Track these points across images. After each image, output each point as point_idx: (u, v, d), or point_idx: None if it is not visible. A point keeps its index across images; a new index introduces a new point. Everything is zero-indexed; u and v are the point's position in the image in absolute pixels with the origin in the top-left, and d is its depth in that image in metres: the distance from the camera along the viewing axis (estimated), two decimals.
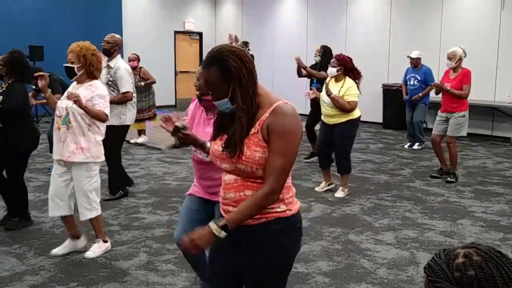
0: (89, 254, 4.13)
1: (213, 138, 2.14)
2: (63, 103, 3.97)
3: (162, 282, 3.70)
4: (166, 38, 14.76)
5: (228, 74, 1.94)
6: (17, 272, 3.85)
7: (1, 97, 4.61)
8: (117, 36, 5.87)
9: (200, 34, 15.63)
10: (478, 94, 9.80)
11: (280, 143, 1.95)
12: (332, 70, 5.73)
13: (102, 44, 5.69)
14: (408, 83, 8.94)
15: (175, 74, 15.11)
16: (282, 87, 13.74)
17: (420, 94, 8.71)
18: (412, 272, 3.92)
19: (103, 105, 3.97)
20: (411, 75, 8.91)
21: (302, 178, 6.79)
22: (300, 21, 13.48)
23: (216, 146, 2.09)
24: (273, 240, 2.07)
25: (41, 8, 12.22)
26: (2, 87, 4.66)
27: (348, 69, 5.71)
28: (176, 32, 15.07)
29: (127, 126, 5.78)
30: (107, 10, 13.24)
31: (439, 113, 6.74)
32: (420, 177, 6.94)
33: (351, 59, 5.78)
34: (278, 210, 2.05)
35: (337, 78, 5.75)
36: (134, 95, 5.81)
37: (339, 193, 5.97)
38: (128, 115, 5.69)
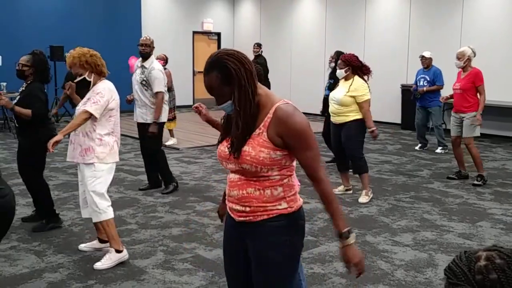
0: (98, 265, 3.92)
1: (220, 140, 2.18)
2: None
3: (179, 281, 3.72)
4: (184, 39, 14.83)
5: (228, 77, 1.97)
6: (37, 269, 3.90)
7: (19, 96, 4.66)
8: (150, 37, 6.00)
9: (218, 34, 15.67)
10: (498, 94, 9.67)
11: (300, 141, 2.03)
12: (340, 72, 5.75)
13: (141, 48, 5.88)
14: (418, 84, 8.99)
15: (193, 74, 15.17)
16: (299, 87, 13.76)
17: (425, 89, 8.75)
18: (430, 274, 3.88)
19: (92, 101, 3.85)
20: (421, 76, 8.98)
21: None
22: (319, 21, 13.43)
23: (223, 148, 2.13)
24: (275, 236, 2.09)
25: (61, 8, 12.35)
26: (23, 87, 4.72)
27: (356, 68, 5.71)
28: (194, 32, 15.13)
29: (163, 123, 6.07)
30: (126, 10, 13.34)
31: (452, 113, 6.76)
32: (439, 179, 6.87)
33: (357, 57, 5.78)
34: (280, 207, 2.08)
35: (346, 77, 5.76)
36: (166, 95, 6.09)
37: (363, 198, 5.80)
38: (163, 113, 5.95)
